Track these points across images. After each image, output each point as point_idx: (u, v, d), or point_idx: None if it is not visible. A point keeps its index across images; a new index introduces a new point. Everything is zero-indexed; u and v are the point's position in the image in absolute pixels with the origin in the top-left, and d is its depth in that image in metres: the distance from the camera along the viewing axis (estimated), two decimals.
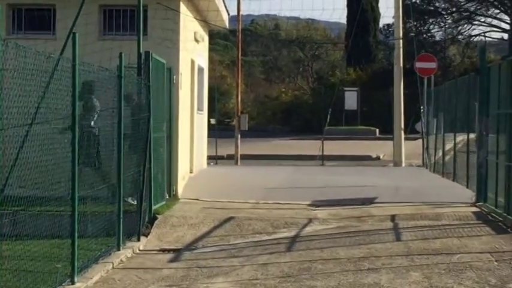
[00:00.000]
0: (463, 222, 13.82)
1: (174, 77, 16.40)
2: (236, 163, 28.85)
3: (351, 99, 52.38)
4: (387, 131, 40.07)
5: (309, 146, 36.14)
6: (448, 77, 48.72)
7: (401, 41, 28.22)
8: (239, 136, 29.31)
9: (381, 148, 35.86)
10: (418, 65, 28.85)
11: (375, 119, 52.28)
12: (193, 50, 18.89)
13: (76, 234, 9.45)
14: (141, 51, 13.58)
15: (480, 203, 15.54)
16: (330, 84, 55.32)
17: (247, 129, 30.37)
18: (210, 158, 25.62)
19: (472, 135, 18.48)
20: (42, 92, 8.83)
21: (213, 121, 30.20)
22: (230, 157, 30.52)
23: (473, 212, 14.82)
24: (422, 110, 27.98)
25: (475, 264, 10.46)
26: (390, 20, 62.65)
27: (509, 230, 12.88)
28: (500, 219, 13.76)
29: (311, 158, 30.63)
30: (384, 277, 9.84)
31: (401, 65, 28.02)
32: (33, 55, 8.27)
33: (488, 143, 15.46)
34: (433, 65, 29.09)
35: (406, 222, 13.92)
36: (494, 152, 14.82)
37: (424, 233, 12.87)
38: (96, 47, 15.48)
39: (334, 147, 33.90)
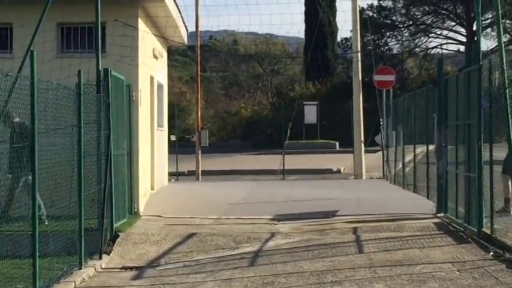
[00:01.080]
0: (424, 233, 13.90)
1: (134, 93, 16.36)
2: (197, 179, 28.78)
3: (311, 114, 52.54)
4: (347, 144, 40.28)
5: (269, 161, 36.20)
6: (406, 89, 49.14)
7: (359, 54, 28.39)
8: (200, 152, 29.25)
9: (341, 161, 36.01)
10: (377, 77, 29.06)
11: (335, 132, 52.54)
12: (152, 67, 18.86)
13: (37, 254, 9.34)
14: (100, 68, 13.51)
15: (441, 214, 15.65)
16: (289, 98, 55.55)
17: (207, 145, 30.33)
18: (171, 174, 25.55)
19: (431, 147, 18.63)
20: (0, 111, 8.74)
21: (173, 137, 30.13)
22: (191, 173, 30.44)
23: (434, 223, 14.92)
24: (381, 123, 28.17)
25: (438, 274, 10.51)
26: (348, 34, 63.15)
27: (470, 239, 12.97)
28: (461, 229, 13.87)
29: (272, 172, 30.67)
30: None
31: (360, 78, 28.20)
32: None
33: (447, 153, 15.58)
34: (391, 77, 29.32)
35: (368, 234, 13.97)
36: (453, 163, 14.94)
37: (386, 244, 12.92)
38: (55, 65, 15.38)
39: (294, 161, 33.99)
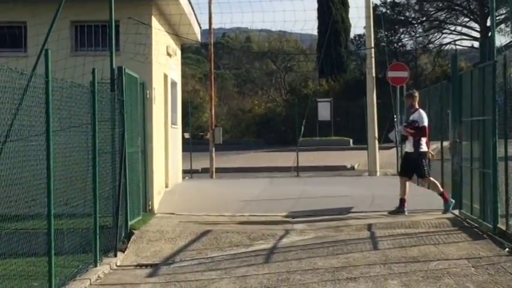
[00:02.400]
0: (439, 230, 13.87)
1: (148, 91, 16.38)
2: (211, 176, 28.80)
3: (324, 110, 52.41)
4: (361, 141, 40.20)
5: (283, 158, 36.21)
6: (420, 85, 48.99)
7: (373, 50, 28.35)
8: (214, 149, 29.27)
9: (355, 158, 35.96)
10: (390, 74, 28.96)
11: (348, 129, 52.46)
12: (166, 64, 18.89)
13: (53, 252, 9.39)
14: (114, 66, 13.53)
15: (455, 210, 15.60)
16: (302, 95, 55.48)
17: (221, 142, 30.35)
18: (185, 172, 25.59)
19: (446, 143, 18.57)
20: (15, 109, 8.78)
21: (187, 135, 30.17)
22: (205, 171, 30.48)
23: (449, 219, 14.89)
24: (395, 119, 28.09)
25: (453, 270, 10.49)
26: (361, 31, 63.11)
27: (485, 235, 12.94)
28: (476, 225, 13.83)
29: (286, 169, 30.67)
30: (362, 286, 9.86)
31: (374, 74, 28.14)
32: (6, 72, 8.22)
33: (462, 150, 15.53)
34: (405, 73, 29.21)
35: (383, 231, 13.95)
36: (468, 159, 14.89)
37: (401, 241, 12.90)
38: (69, 63, 15.43)
39: (308, 158, 33.98)
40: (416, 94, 16.66)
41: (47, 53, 9.44)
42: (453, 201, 15.73)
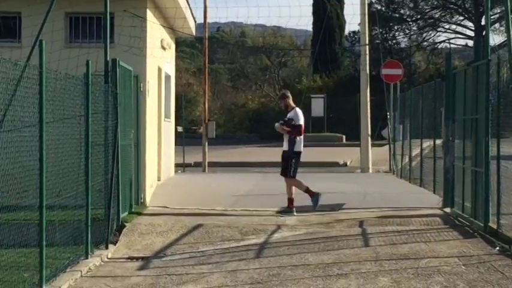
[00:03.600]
0: (430, 227, 13.90)
1: (141, 84, 16.36)
2: (204, 170, 28.81)
3: (318, 106, 52.55)
4: (354, 137, 40.24)
5: (276, 153, 36.01)
6: (414, 83, 49.09)
7: (367, 47, 28.35)
8: (207, 143, 29.26)
9: (347, 154, 35.99)
10: (384, 71, 29.01)
11: (341, 125, 52.53)
12: (160, 58, 18.86)
13: (44, 243, 9.38)
14: (108, 58, 13.51)
15: (447, 208, 15.64)
16: (296, 91, 55.47)
17: (214, 136, 30.34)
18: (177, 165, 25.58)
19: (439, 141, 18.61)
20: (9, 100, 8.76)
21: (180, 129, 30.13)
22: (198, 165, 30.48)
23: (441, 217, 14.92)
24: (388, 116, 28.14)
25: (443, 268, 10.52)
26: (356, 27, 63.12)
27: (476, 234, 12.97)
28: (467, 223, 13.86)
29: (279, 164, 30.58)
30: (353, 282, 9.87)
31: (368, 71, 28.16)
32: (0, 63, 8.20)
33: (454, 148, 15.56)
34: (399, 71, 29.27)
35: (374, 227, 13.97)
36: (460, 158, 14.92)
37: (392, 238, 12.92)
38: (63, 55, 15.40)
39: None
40: (289, 94, 16.51)
41: (41, 43, 9.42)
42: (320, 193, 15.89)
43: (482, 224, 12.96)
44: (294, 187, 15.95)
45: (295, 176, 16.00)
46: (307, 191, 16.05)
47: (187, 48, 76.80)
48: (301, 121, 15.87)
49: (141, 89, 16.34)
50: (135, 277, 10.62)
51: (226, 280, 10.22)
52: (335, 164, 33.18)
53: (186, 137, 30.92)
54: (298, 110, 16.00)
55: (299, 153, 15.96)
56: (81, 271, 10.72)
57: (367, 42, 28.36)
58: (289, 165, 15.90)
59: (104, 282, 10.31)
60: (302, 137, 15.95)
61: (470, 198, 13.97)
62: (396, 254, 11.54)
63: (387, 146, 29.23)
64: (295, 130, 15.79)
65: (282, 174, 16.18)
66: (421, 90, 22.10)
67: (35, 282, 9.33)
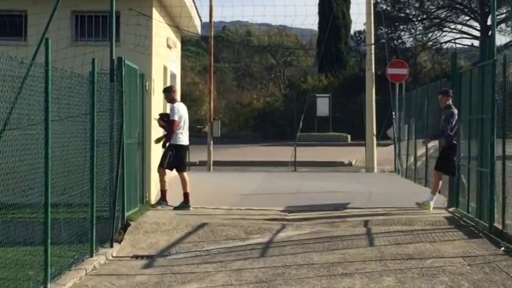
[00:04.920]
0: (435, 227, 13.89)
1: (147, 83, 16.37)
2: (209, 169, 28.81)
3: (323, 106, 52.55)
4: (359, 137, 40.22)
5: (281, 152, 36.22)
6: (419, 83, 49.04)
7: (373, 46, 28.34)
8: (212, 142, 29.27)
9: (352, 154, 35.99)
10: (390, 71, 29.00)
11: (347, 125, 52.52)
12: (165, 56, 18.87)
13: (49, 241, 9.39)
14: (114, 57, 13.52)
15: (452, 208, 15.64)
16: (301, 90, 55.49)
17: (219, 135, 30.34)
18: None
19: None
20: (15, 98, 8.77)
21: None
22: (202, 163, 30.49)
23: (446, 217, 14.91)
24: (394, 116, 28.11)
25: (448, 268, 10.51)
26: (361, 27, 63.04)
27: (481, 234, 12.96)
28: (472, 223, 13.85)
29: (283, 164, 30.68)
30: (357, 282, 9.87)
31: (373, 71, 28.14)
32: (6, 61, 8.22)
33: (460, 148, 15.54)
34: (404, 71, 29.25)
35: (379, 227, 13.96)
36: (466, 158, 14.91)
37: (397, 238, 12.91)
38: (69, 53, 15.41)
39: (306, 153, 33.98)
40: (175, 88, 16.52)
41: (47, 42, 9.43)
42: (164, 203, 15.86)
43: (487, 224, 12.95)
44: (187, 183, 15.91)
45: (165, 168, 15.91)
46: (163, 192, 15.90)
47: (192, 47, 76.83)
48: (176, 117, 15.66)
49: (147, 88, 16.34)
50: (140, 275, 10.63)
51: (231, 279, 10.22)
52: (340, 164, 33.18)
53: (190, 136, 30.89)
54: (176, 106, 15.83)
55: (178, 146, 15.86)
56: (86, 269, 10.73)
57: (372, 41, 28.35)
58: (163, 157, 15.87)
59: (109, 280, 10.32)
60: (182, 131, 15.77)
61: (475, 199, 13.96)
62: (401, 254, 11.54)
63: (392, 146, 29.20)
64: (168, 125, 15.74)
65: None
66: (427, 90, 22.08)
67: (39, 280, 9.34)
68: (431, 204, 15.76)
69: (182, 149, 16.03)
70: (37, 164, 9.38)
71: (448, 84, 16.79)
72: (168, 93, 16.19)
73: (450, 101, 15.94)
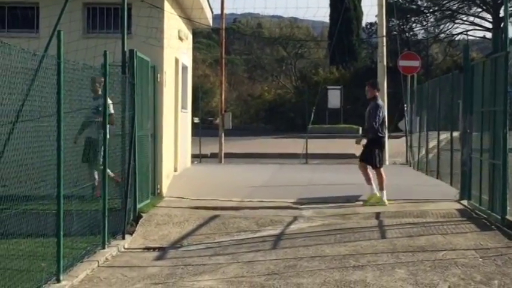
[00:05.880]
0: (447, 220, 13.85)
1: (158, 75, 16.37)
2: (220, 161, 28.83)
3: (334, 98, 52.44)
4: None
5: (292, 145, 36.19)
6: (431, 75, 48.92)
7: (384, 39, 28.25)
8: (223, 134, 29.27)
9: None
10: (402, 63, 28.89)
11: (358, 117, 52.31)
12: (177, 48, 18.87)
13: (62, 233, 9.42)
14: (126, 49, 13.53)
15: (464, 201, 15.59)
16: (313, 82, 55.43)
17: (231, 127, 30.34)
18: (193, 156, 25.62)
19: (456, 133, 18.54)
20: (27, 90, 8.80)
21: (196, 120, 30.16)
22: (214, 155, 30.51)
23: (458, 209, 14.87)
24: (405, 108, 28.04)
25: (460, 261, 10.48)
26: (373, 19, 63.02)
27: (493, 227, 12.92)
28: (485, 216, 13.81)
29: (295, 156, 30.66)
30: (369, 274, 9.86)
31: (385, 63, 28.06)
32: (19, 53, 8.24)
33: (472, 140, 15.50)
34: (416, 63, 29.14)
35: (391, 219, 13.94)
36: (478, 150, 14.86)
37: (409, 230, 12.88)
38: (80, 45, 15.41)
39: (317, 145, 33.95)
40: (101, 80, 15.98)
41: (60, 34, 9.44)
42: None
43: (499, 217, 12.90)
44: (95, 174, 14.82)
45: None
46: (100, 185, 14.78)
47: (203, 39, 76.76)
48: (111, 110, 15.11)
49: (158, 80, 16.35)
50: (152, 267, 10.65)
51: (243, 271, 10.22)
52: (351, 156, 33.06)
53: (202, 128, 30.96)
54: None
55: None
56: (98, 261, 10.76)
57: (384, 33, 28.26)
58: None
59: (121, 272, 10.35)
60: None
61: (487, 191, 13.91)
62: (413, 246, 11.51)
63: (403, 138, 29.11)
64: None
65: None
66: (439, 82, 22.01)
67: (52, 272, 9.37)
68: (377, 194, 15.74)
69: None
70: (49, 156, 9.40)
71: (461, 77, 16.72)
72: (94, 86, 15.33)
73: (376, 93, 16.00)
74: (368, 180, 15.95)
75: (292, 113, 55.82)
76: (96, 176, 13.47)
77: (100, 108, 13.57)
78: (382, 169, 16.07)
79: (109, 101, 13.94)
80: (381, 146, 16.03)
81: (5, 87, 8.01)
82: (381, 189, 15.83)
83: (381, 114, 15.78)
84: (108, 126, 13.81)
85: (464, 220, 13.80)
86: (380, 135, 15.88)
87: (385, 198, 15.67)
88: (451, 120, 19.30)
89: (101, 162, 13.29)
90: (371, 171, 16.02)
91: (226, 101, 40.16)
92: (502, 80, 12.94)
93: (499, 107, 13.11)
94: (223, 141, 29.24)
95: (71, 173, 10.35)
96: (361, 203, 16.00)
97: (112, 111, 14.04)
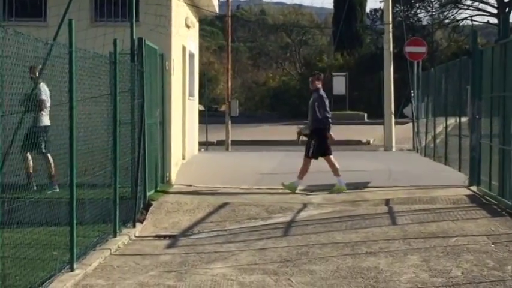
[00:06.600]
0: (457, 206, 13.85)
1: (167, 63, 16.36)
2: (227, 149, 28.81)
3: (339, 85, 52.38)
4: (375, 115, 40.12)
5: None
6: (436, 61, 48.79)
7: (390, 25, 28.15)
8: (230, 122, 29.25)
9: (370, 133, 35.90)
10: (408, 49, 28.83)
11: (363, 103, 52.40)
12: (185, 36, 18.85)
13: (74, 221, 9.43)
14: (134, 37, 13.51)
15: (473, 187, 15.58)
16: (317, 69, 55.30)
17: (237, 114, 30.29)
18: (200, 144, 25.59)
19: (464, 119, 18.53)
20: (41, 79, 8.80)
21: (201, 107, 30.12)
22: (220, 143, 30.48)
23: (467, 195, 14.86)
24: (412, 95, 27.99)
25: (472, 247, 10.49)
26: (376, 5, 62.82)
27: (504, 213, 12.92)
28: (495, 202, 13.81)
29: (302, 143, 30.56)
30: (382, 261, 9.86)
31: (391, 49, 27.99)
32: (31, 42, 8.23)
33: (481, 126, 15.48)
34: (422, 49, 29.08)
35: (401, 206, 13.94)
36: (487, 135, 14.85)
37: (420, 216, 12.88)
38: (89, 34, 15.37)
39: None
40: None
41: (71, 22, 9.42)
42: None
43: (510, 203, 12.90)
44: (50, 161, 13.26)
45: (46, 153, 14.70)
46: (29, 173, 14.02)
47: (207, 26, 76.67)
48: (43, 96, 14.65)
49: (167, 68, 16.33)
50: (164, 255, 10.67)
51: (255, 258, 10.23)
52: (358, 143, 33.10)
53: (208, 115, 30.90)
54: (43, 85, 14.66)
55: (44, 127, 13.75)
56: (110, 249, 10.77)
57: (390, 20, 28.16)
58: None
59: (134, 260, 10.36)
60: (45, 112, 14.72)
61: (497, 177, 13.90)
62: (424, 233, 11.52)
63: (410, 124, 29.06)
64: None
65: None
66: (446, 68, 21.97)
67: (65, 261, 9.38)
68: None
69: (46, 129, 13.83)
70: (62, 144, 9.41)
71: (469, 62, 16.68)
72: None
73: (319, 85, 16.02)
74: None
75: (297, 99, 55.75)
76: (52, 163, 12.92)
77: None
78: (310, 160, 16.01)
79: (42, 86, 13.33)
80: (321, 138, 15.97)
81: (18, 76, 8.00)
82: (300, 178, 15.92)
83: (327, 103, 15.85)
84: (41, 114, 13.52)
85: (474, 206, 13.80)
86: (322, 126, 15.90)
87: (299, 186, 15.81)
88: (458, 105, 19.27)
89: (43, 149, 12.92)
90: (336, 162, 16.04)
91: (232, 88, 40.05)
92: (511, 66, 12.91)
93: (509, 93, 13.09)
94: (230, 128, 29.20)
95: (82, 161, 10.34)
96: (368, 188, 16.00)
97: (43, 97, 13.53)
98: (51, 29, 14.30)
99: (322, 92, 16.01)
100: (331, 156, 16.10)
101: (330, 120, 16.04)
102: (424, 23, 64.85)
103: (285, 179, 17.30)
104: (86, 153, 10.75)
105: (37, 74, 12.61)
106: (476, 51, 16.02)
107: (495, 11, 60.88)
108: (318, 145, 15.90)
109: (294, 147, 29.13)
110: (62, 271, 9.15)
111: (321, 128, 15.91)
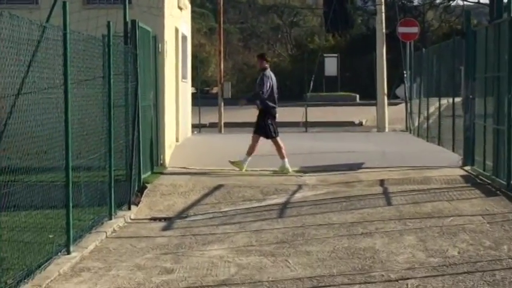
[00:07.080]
0: (452, 186, 13.88)
1: (160, 45, 16.29)
2: (220, 131, 28.77)
3: (331, 66, 52.29)
4: (367, 96, 40.09)
5: (290, 113, 35.97)
6: (427, 41, 48.75)
7: (383, 6, 28.11)
8: (222, 104, 29.19)
9: (362, 114, 35.90)
10: (401, 29, 28.81)
11: (355, 85, 52.31)
12: (177, 18, 18.77)
13: (71, 204, 9.41)
14: (128, 19, 13.45)
15: (467, 167, 15.61)
16: (309, 50, 55.20)
17: (230, 96, 30.24)
18: (193, 126, 25.55)
19: (457, 99, 18.54)
20: (34, 62, 8.75)
21: (193, 89, 30.03)
22: (213, 125, 30.41)
23: (462, 176, 14.89)
24: (405, 75, 27.99)
25: (468, 226, 10.52)
26: None
27: (498, 192, 12.96)
28: (489, 181, 13.84)
29: (293, 124, 30.57)
30: (378, 241, 9.89)
31: (384, 30, 27.96)
32: (27, 24, 8.18)
33: (475, 106, 15.49)
34: (415, 29, 29.06)
35: (396, 186, 13.96)
36: (481, 116, 14.86)
37: (414, 197, 12.91)
38: (82, 16, 15.24)
39: (316, 113, 33.84)
40: None
41: (65, 5, 9.38)
42: None
43: (504, 182, 12.94)
44: None
45: None
46: None
47: (197, 8, 76.40)
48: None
49: (160, 50, 16.27)
50: (160, 238, 10.67)
51: (251, 240, 10.25)
52: (350, 124, 33.10)
53: (200, 98, 30.84)
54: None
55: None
56: (106, 232, 10.77)
57: (382, 0, 28.10)
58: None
59: (130, 242, 10.35)
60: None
61: (491, 157, 13.93)
62: (419, 213, 11.55)
63: (402, 105, 29.08)
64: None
65: None
66: (439, 48, 21.96)
67: (61, 244, 9.37)
68: (245, 165, 15.89)
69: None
70: (57, 127, 9.36)
71: (462, 42, 16.66)
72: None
73: (266, 65, 16.08)
74: (251, 150, 16.16)
75: (288, 81, 55.64)
76: None
77: None
78: (278, 138, 16.08)
79: None
80: (273, 117, 16.06)
81: (13, 59, 7.95)
82: (282, 158, 15.90)
83: (268, 84, 15.89)
84: None
85: (468, 186, 13.83)
86: (271, 105, 15.94)
87: (287, 165, 15.82)
88: (452, 86, 19.28)
89: None
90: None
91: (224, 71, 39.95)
92: (506, 46, 12.91)
93: (503, 73, 13.09)
94: (222, 110, 29.14)
95: (78, 144, 10.31)
96: (362, 169, 16.01)
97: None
98: (43, 11, 14.21)
99: (267, 72, 16.07)
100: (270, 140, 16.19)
101: (270, 103, 15.89)
102: (415, 3, 64.76)
103: (279, 161, 17.29)
104: (80, 136, 10.70)
105: None
106: (469, 32, 16.01)
107: None
108: (272, 123, 15.92)
109: (286, 129, 29.15)
110: (59, 254, 9.14)
111: (269, 107, 15.94)
